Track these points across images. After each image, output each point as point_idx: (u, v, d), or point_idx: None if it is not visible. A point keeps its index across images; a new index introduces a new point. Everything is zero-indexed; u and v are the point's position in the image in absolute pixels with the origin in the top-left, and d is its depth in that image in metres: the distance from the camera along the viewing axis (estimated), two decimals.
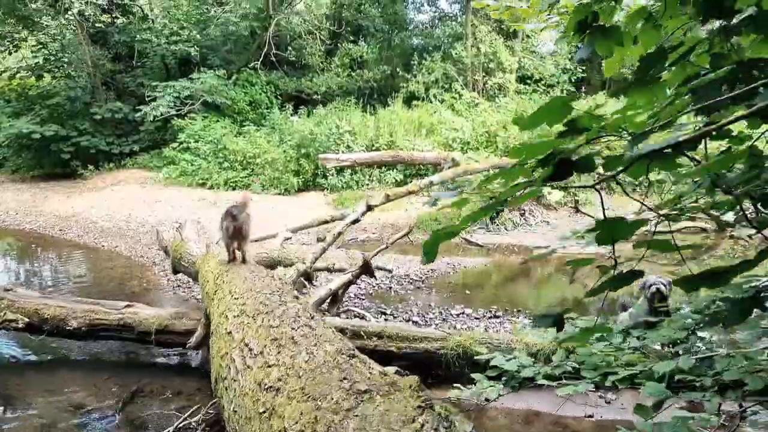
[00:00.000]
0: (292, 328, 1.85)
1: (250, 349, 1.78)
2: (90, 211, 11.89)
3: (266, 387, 1.42)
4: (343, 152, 13.53)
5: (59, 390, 4.67)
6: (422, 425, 0.98)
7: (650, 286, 4.52)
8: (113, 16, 17.15)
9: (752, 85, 1.72)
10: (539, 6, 2.81)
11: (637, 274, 1.43)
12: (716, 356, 2.38)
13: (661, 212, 1.44)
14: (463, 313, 6.42)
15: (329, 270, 5.38)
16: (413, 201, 11.80)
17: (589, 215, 10.82)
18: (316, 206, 12.09)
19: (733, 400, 2.13)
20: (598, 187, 1.35)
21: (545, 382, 2.89)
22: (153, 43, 17.47)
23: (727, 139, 2.37)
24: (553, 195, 11.46)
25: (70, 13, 14.86)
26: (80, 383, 4.77)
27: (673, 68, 2.30)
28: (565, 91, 17.26)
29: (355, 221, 5.51)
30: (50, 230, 10.97)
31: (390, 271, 7.13)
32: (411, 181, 12.43)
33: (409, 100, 17.22)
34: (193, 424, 3.98)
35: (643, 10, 2.35)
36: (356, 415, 1.06)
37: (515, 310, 6.51)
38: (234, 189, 13.75)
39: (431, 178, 10.95)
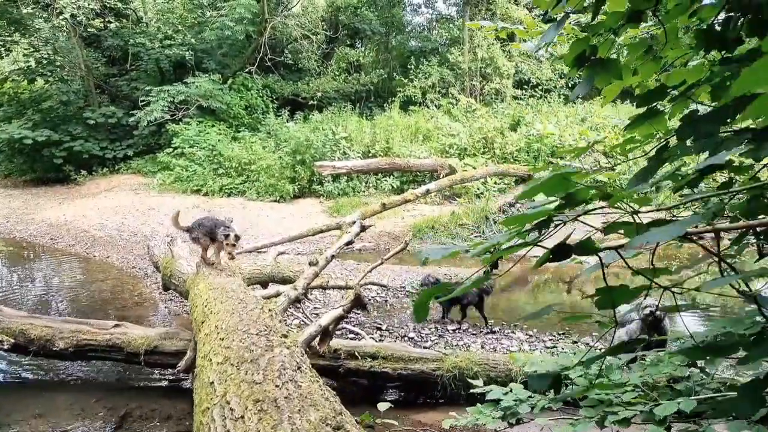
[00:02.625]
0: (276, 386, 1.76)
1: (232, 410, 1.69)
2: (82, 220, 11.75)
3: None
4: (339, 159, 13.43)
5: (46, 414, 4.54)
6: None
7: (645, 307, 4.44)
8: (106, 20, 16.98)
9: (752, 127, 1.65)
10: (534, 32, 2.71)
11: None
12: (719, 397, 2.30)
13: (665, 285, 1.36)
14: (459, 328, 6.34)
15: (323, 288, 5.29)
16: (409, 208, 11.72)
17: (586, 224, 10.75)
18: (312, 214, 11.99)
19: None
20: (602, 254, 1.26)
21: (543, 420, 2.80)
22: (147, 47, 17.33)
23: (728, 170, 2.30)
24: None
25: (62, 17, 14.70)
26: (68, 407, 4.64)
27: (674, 103, 2.24)
28: (561, 96, 17.21)
29: (349, 243, 5.41)
30: (41, 239, 10.83)
31: (385, 287, 7.04)
32: (408, 188, 12.37)
33: (406, 104, 17.15)
34: None
35: (643, 43, 2.27)
36: None
37: (512, 324, 6.43)
38: (229, 196, 13.64)
39: (428, 186, 10.89)
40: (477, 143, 13.90)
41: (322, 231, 8.87)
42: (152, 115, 15.06)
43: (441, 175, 12.14)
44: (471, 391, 3.83)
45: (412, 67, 18.35)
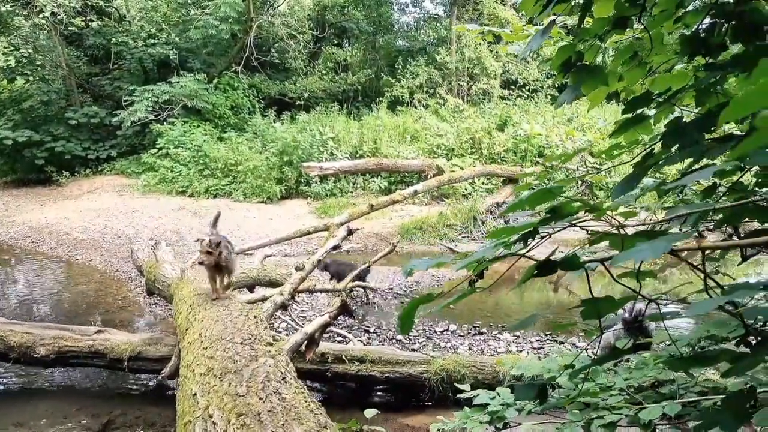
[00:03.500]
0: (260, 398, 1.72)
1: (214, 423, 1.65)
2: (64, 222, 11.53)
3: None
4: (326, 160, 13.37)
5: (28, 422, 4.46)
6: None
7: (630, 309, 4.48)
8: (88, 18, 16.69)
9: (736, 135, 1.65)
10: (520, 36, 2.71)
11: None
12: (704, 400, 2.32)
13: (650, 297, 1.35)
14: (447, 329, 6.33)
15: (311, 291, 5.25)
16: (397, 209, 11.70)
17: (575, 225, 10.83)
18: (300, 215, 11.92)
19: None
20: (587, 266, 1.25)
21: (529, 425, 2.80)
22: (130, 46, 17.07)
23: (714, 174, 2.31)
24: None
25: (42, 15, 14.41)
26: (49, 415, 4.56)
27: (659, 109, 2.24)
28: (548, 96, 17.31)
29: (336, 247, 5.38)
30: (22, 242, 10.61)
31: (373, 289, 7.02)
32: (395, 189, 12.36)
33: (394, 105, 17.13)
34: None
35: (629, 49, 2.27)
36: None
37: (499, 325, 6.44)
38: (215, 197, 13.50)
39: (415, 187, 10.88)
40: (464, 143, 13.93)
41: (309, 233, 8.79)
42: (136, 115, 14.84)
43: (429, 176, 12.14)
44: (459, 396, 3.84)
45: (400, 66, 18.34)
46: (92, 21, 16.58)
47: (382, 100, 17.20)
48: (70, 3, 14.82)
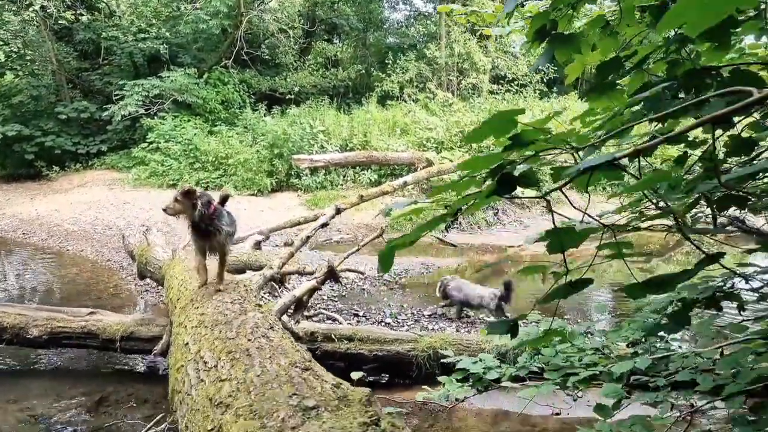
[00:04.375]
0: (249, 340, 1.82)
1: (205, 362, 1.75)
2: (55, 214, 11.53)
3: (216, 403, 1.39)
4: (317, 153, 13.45)
5: (21, 400, 4.52)
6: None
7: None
8: (78, 12, 16.62)
9: (702, 97, 1.77)
10: (503, 12, 2.82)
11: (588, 282, 1.46)
12: (672, 356, 2.45)
13: (608, 222, 1.46)
14: (434, 314, 6.46)
15: (300, 273, 5.34)
16: (387, 201, 11.80)
17: (561, 214, 11.01)
18: (290, 207, 12.00)
19: (684, 400, 2.20)
20: (548, 197, 1.36)
21: (509, 384, 2.93)
22: (120, 41, 17.02)
23: (684, 144, 2.44)
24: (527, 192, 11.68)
25: (32, 9, 14.35)
26: (43, 393, 4.63)
27: (631, 75, 2.37)
28: (537, 91, 17.50)
29: (324, 225, 5.47)
30: (13, 234, 10.60)
31: (362, 273, 7.12)
32: (385, 181, 12.45)
33: (384, 99, 17.22)
34: None
35: (601, 19, 2.39)
36: None
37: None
38: (206, 190, 13.47)
39: (405, 178, 11.00)
40: (454, 137, 14.07)
41: (300, 223, 8.88)
42: (127, 109, 14.81)
43: (418, 168, 12.26)
44: (443, 361, 3.94)
45: (390, 62, 18.43)
46: (82, 15, 16.50)
47: (372, 95, 17.29)
48: None
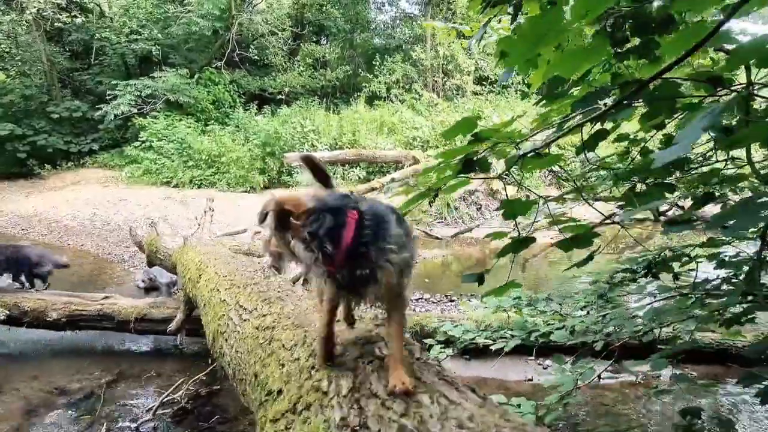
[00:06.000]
0: (279, 292, 2.34)
1: (245, 309, 2.26)
2: (52, 210, 11.83)
3: (263, 328, 1.90)
4: (307, 151, 13.93)
5: (42, 376, 4.93)
6: (378, 333, 1.51)
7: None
8: (71, 14, 16.85)
9: (617, 101, 2.32)
10: (476, 34, 3.38)
11: (530, 240, 2.01)
12: (608, 314, 3.03)
13: (544, 197, 2.01)
14: (421, 298, 7.00)
15: None
16: (375, 196, 12.32)
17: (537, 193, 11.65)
18: None
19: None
20: (504, 177, 1.90)
21: (484, 341, 3.48)
22: (112, 42, 17.30)
23: (627, 141, 3.08)
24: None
25: (28, 12, 14.60)
26: (62, 370, 5.04)
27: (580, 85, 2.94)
28: (519, 92, 18.15)
29: None
30: (11, 230, 10.89)
31: None
32: (374, 178, 13.00)
33: (371, 99, 17.75)
34: (177, 398, 4.37)
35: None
36: None
37: (470, 294, 7.13)
38: (199, 187, 13.93)
39: (393, 175, 11.55)
40: (439, 136, 14.65)
41: None
42: (119, 109, 15.15)
43: (405, 166, 12.82)
44: (429, 334, 4.49)
45: (377, 63, 18.96)
46: (75, 17, 16.74)
47: (360, 95, 17.81)
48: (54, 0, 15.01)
